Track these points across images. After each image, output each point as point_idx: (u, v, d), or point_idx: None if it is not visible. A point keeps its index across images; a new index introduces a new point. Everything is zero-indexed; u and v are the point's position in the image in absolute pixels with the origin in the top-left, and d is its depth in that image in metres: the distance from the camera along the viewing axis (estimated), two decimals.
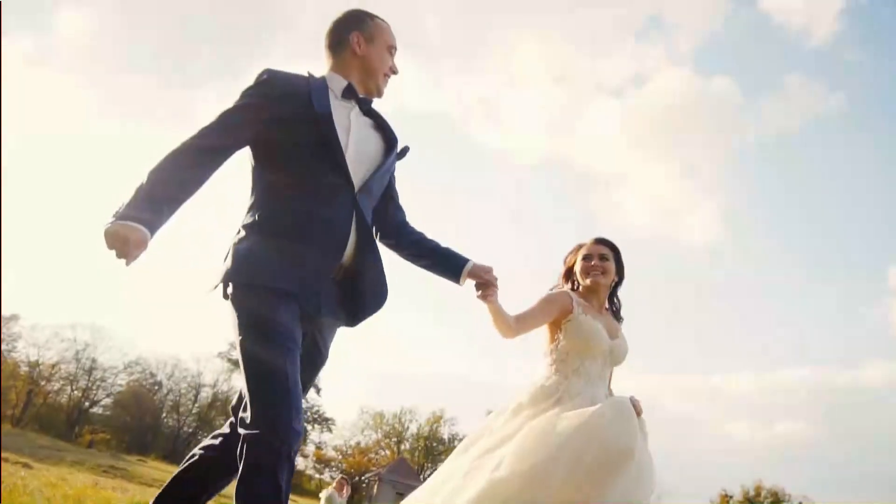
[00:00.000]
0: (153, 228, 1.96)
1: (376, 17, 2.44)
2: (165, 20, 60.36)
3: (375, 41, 2.39)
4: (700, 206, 58.70)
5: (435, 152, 57.45)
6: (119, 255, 1.92)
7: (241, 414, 2.01)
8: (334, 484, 12.15)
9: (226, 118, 2.16)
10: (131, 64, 59.98)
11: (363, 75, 2.38)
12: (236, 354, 2.09)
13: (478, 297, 2.55)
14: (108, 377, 42.69)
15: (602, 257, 3.02)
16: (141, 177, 2.01)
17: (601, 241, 3.09)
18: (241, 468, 1.93)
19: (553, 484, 2.44)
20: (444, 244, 2.55)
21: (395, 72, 2.46)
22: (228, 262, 2.12)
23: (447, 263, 2.50)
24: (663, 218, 59.69)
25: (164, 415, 44.09)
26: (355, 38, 2.35)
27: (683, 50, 60.41)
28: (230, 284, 2.10)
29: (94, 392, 42.61)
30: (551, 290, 3.10)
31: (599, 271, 3.00)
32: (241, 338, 2.02)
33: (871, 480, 48.73)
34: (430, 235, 2.55)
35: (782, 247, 58.35)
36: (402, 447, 46.99)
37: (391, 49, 2.44)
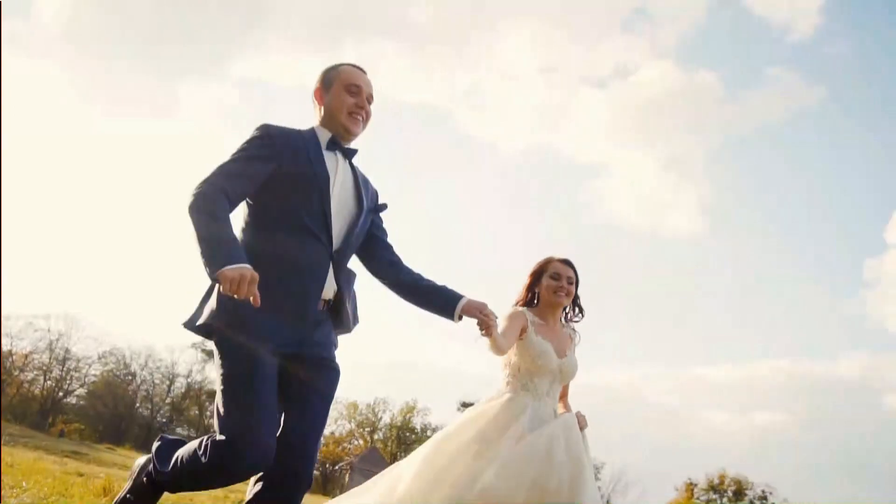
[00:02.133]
0: (246, 261, 2.09)
1: (341, 65, 2.54)
2: (146, 7, 59.89)
3: (332, 86, 2.49)
4: (682, 198, 59.57)
5: (421, 142, 57.72)
6: (245, 295, 2.03)
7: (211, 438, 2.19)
8: None
9: (240, 167, 2.29)
10: (111, 51, 59.63)
11: (332, 123, 2.48)
12: (216, 388, 2.26)
13: (481, 335, 2.61)
14: (82, 367, 42.77)
15: (569, 280, 3.19)
16: (198, 223, 2.13)
17: (569, 264, 3.25)
18: (203, 467, 2.17)
19: None
20: (437, 282, 2.60)
21: (361, 106, 2.50)
22: (213, 305, 2.26)
23: (441, 302, 2.56)
24: (645, 210, 60.48)
25: (137, 405, 44.20)
26: (316, 92, 2.52)
27: (668, 43, 61.16)
28: (215, 331, 2.25)
29: (68, 382, 42.67)
30: (515, 304, 3.26)
31: (565, 293, 3.17)
32: (221, 377, 2.21)
33: (843, 470, 49.95)
34: (423, 274, 2.63)
35: (762, 239, 59.43)
36: (376, 437, 47.49)
37: (351, 87, 2.49)
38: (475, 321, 2.55)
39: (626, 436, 50.99)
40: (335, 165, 2.44)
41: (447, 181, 63.86)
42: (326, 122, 2.49)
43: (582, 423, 3.01)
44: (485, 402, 3.08)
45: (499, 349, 2.85)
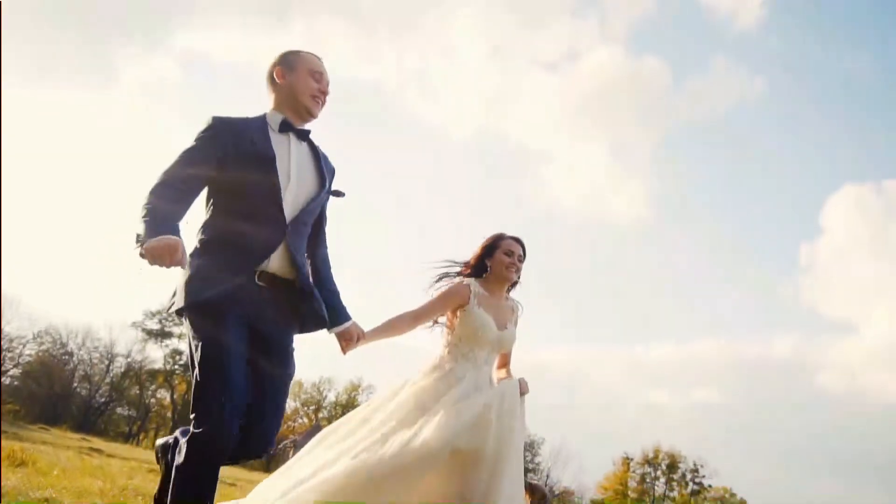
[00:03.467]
0: (177, 234, 2.20)
1: (302, 51, 2.62)
2: None
3: (296, 68, 2.57)
4: (627, 184, 60.81)
5: (368, 122, 57.30)
6: (168, 264, 2.14)
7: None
8: None
9: (190, 154, 2.39)
10: (48, 19, 57.19)
11: (291, 103, 2.55)
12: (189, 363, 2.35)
13: (341, 352, 2.82)
14: (16, 347, 41.61)
15: (520, 258, 3.33)
16: (141, 209, 2.23)
17: (521, 242, 3.38)
18: (183, 459, 2.25)
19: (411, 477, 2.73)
20: (338, 296, 2.74)
21: (323, 91, 2.61)
22: (180, 286, 2.36)
23: (329, 311, 2.65)
24: (591, 195, 61.48)
25: (75, 384, 43.24)
26: (277, 71, 2.57)
27: (617, 28, 61.75)
28: (185, 309, 2.35)
29: (2, 363, 41.45)
30: (452, 265, 3.41)
31: (515, 270, 3.32)
32: (194, 352, 2.31)
33: (775, 444, 52.28)
34: (335, 281, 2.75)
35: (704, 225, 61.21)
36: (320, 415, 47.67)
37: (315, 73, 2.59)
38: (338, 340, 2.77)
39: (568, 413, 52.38)
40: (286, 146, 2.51)
41: (394, 162, 63.81)
42: (285, 101, 2.57)
43: (524, 388, 3.14)
44: (426, 371, 3.18)
45: (397, 331, 3.10)
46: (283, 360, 2.49)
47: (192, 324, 2.34)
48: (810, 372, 56.73)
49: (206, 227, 2.42)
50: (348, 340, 2.77)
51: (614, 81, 59.37)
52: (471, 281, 3.29)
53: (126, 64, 58.36)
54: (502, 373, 3.38)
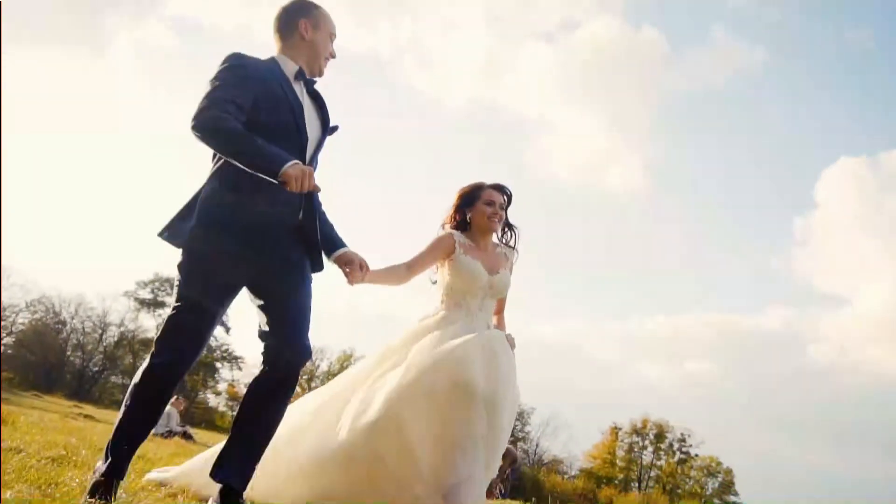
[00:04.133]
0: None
1: (320, 6, 2.70)
2: None
3: (320, 28, 2.66)
4: (624, 155, 60.46)
5: (363, 93, 56.85)
6: (307, 188, 2.25)
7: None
8: (171, 402, 13.21)
9: (220, 92, 2.36)
10: None
11: (310, 58, 2.65)
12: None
13: (348, 283, 2.83)
14: (9, 316, 41.67)
15: (501, 206, 3.31)
16: (217, 130, 2.29)
17: (503, 190, 3.34)
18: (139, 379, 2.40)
19: (408, 416, 2.79)
20: (334, 228, 2.83)
21: (334, 56, 2.73)
22: (191, 224, 2.40)
23: (325, 243, 2.76)
24: (588, 166, 61.19)
25: (68, 353, 43.46)
26: (303, 24, 2.63)
27: None
28: (185, 249, 2.41)
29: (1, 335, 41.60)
30: (443, 224, 3.39)
31: (498, 219, 3.30)
32: (177, 289, 2.42)
33: (767, 415, 52.97)
34: (328, 217, 2.82)
35: (699, 197, 61.04)
36: (313, 385, 48.07)
37: (332, 36, 2.71)
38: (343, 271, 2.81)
39: (560, 384, 53.00)
40: (300, 93, 2.60)
41: (389, 132, 63.33)
42: (303, 55, 2.64)
43: (510, 343, 3.13)
44: (420, 320, 3.24)
45: (393, 279, 3.14)
46: (301, 281, 2.59)
47: (191, 262, 2.42)
48: (802, 344, 57.27)
49: (229, 168, 2.41)
50: (349, 263, 2.80)
51: (612, 52, 58.80)
52: (454, 231, 3.30)
53: (116, 30, 57.49)
54: (497, 319, 3.40)
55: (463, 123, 60.52)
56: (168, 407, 12.88)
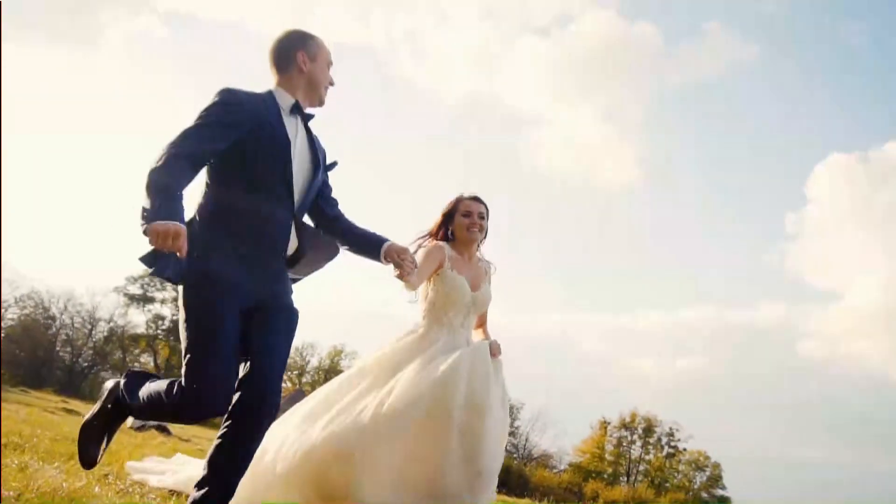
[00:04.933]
0: (182, 221, 2.20)
1: (315, 36, 2.68)
2: None
3: (318, 59, 2.64)
4: (617, 149, 60.37)
5: (357, 85, 56.71)
6: (171, 248, 2.13)
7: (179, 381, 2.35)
8: None
9: (199, 131, 2.36)
10: None
11: (308, 91, 2.63)
12: (180, 332, 2.36)
13: (395, 276, 2.81)
14: None
15: (480, 216, 3.30)
16: (149, 182, 2.22)
17: (480, 201, 3.35)
18: (172, 401, 2.35)
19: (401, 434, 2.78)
20: (367, 229, 2.82)
21: (332, 84, 2.71)
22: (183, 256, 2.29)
23: (369, 245, 2.80)
24: (581, 160, 61.17)
25: (57, 348, 43.38)
26: (301, 56, 2.60)
27: None
28: (185, 282, 2.35)
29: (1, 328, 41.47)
30: (422, 237, 3.39)
31: (478, 228, 3.30)
32: (186, 339, 2.33)
33: (758, 412, 53.14)
34: (356, 222, 2.83)
35: (692, 192, 61.08)
36: (303, 380, 48.14)
37: (329, 64, 2.69)
38: (391, 263, 2.79)
39: (551, 379, 53.11)
40: (295, 129, 2.56)
41: (383, 125, 63.22)
42: (301, 87, 2.62)
43: (495, 350, 3.13)
44: (402, 335, 3.21)
45: (410, 286, 3.05)
46: (288, 321, 2.56)
47: (191, 293, 2.36)
48: (793, 339, 57.61)
49: (212, 204, 2.43)
50: (402, 253, 2.78)
51: (605, 46, 58.70)
52: (443, 244, 3.30)
53: (110, 23, 57.14)
54: (479, 333, 3.41)
55: (457, 117, 60.46)
56: None
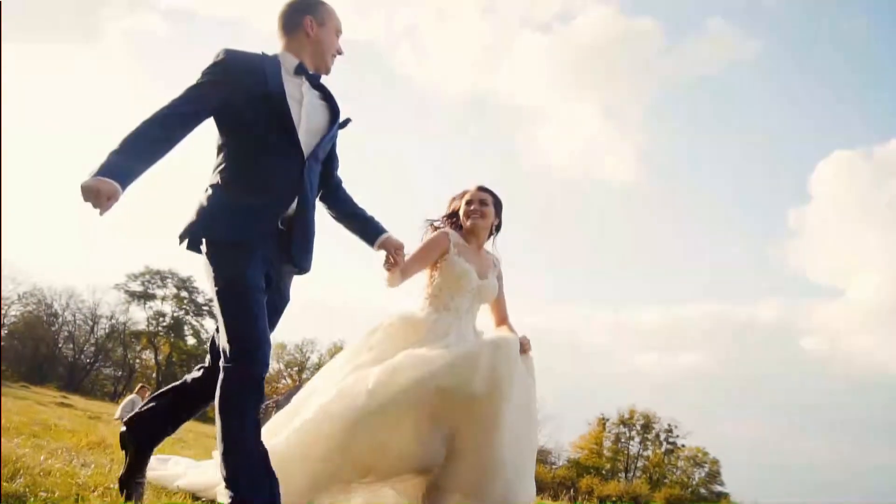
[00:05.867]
0: (124, 182, 2.17)
1: (326, 3, 2.65)
2: None
3: (326, 24, 2.61)
4: (619, 145, 60.46)
5: (359, 81, 56.80)
6: (94, 206, 2.11)
7: (221, 352, 2.31)
8: (136, 390, 13.67)
9: (191, 91, 2.40)
10: None
11: (314, 55, 2.61)
12: (213, 300, 2.36)
13: (383, 266, 2.88)
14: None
15: (482, 202, 3.30)
16: (116, 141, 2.23)
17: (482, 189, 3.35)
18: (221, 393, 2.25)
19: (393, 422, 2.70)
20: (368, 212, 2.86)
21: (340, 52, 2.68)
22: (196, 218, 2.40)
23: (367, 229, 2.84)
24: (583, 156, 61.24)
25: (60, 345, 43.73)
26: (308, 21, 2.59)
27: None
28: (203, 241, 2.38)
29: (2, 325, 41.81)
30: (432, 223, 3.37)
31: (479, 215, 3.27)
32: (217, 289, 2.33)
33: (759, 408, 53.27)
34: (358, 202, 2.87)
35: (694, 188, 61.20)
36: (304, 376, 48.33)
37: (338, 32, 2.66)
38: (384, 255, 2.88)
39: (553, 374, 53.12)
40: (299, 87, 2.55)
41: (385, 121, 63.33)
42: (307, 52, 2.61)
43: (525, 346, 3.09)
44: (401, 316, 3.14)
45: (392, 280, 3.03)
46: (284, 293, 2.60)
47: (215, 259, 2.37)
48: (795, 335, 57.62)
49: (226, 167, 2.45)
50: (397, 248, 2.87)
51: (607, 42, 58.86)
52: (450, 231, 3.30)
53: (109, 20, 57.41)
54: (503, 329, 3.34)
55: (458, 113, 60.63)
56: (132, 395, 13.25)
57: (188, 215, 2.45)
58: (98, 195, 2.11)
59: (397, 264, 2.86)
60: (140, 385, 15.34)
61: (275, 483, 2.24)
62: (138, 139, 2.26)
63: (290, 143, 2.47)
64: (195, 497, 2.97)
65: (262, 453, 2.27)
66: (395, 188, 59.88)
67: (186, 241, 2.44)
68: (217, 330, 2.46)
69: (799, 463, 49.32)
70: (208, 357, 2.65)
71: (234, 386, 2.27)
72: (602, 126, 59.76)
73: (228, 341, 2.28)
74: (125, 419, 2.73)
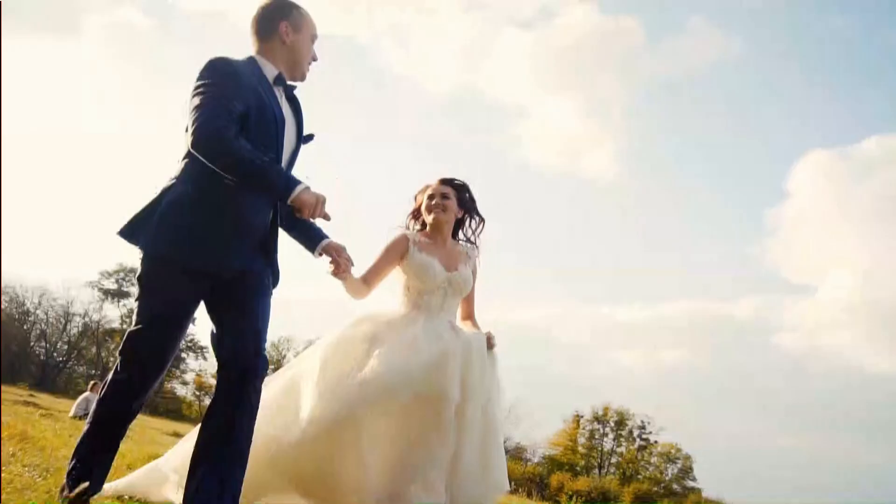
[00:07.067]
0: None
1: (300, 6, 2.54)
2: None
3: (302, 30, 2.51)
4: (599, 142, 60.64)
5: (340, 77, 56.56)
6: (316, 216, 2.26)
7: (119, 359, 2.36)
8: (90, 387, 13.79)
9: (208, 97, 2.25)
10: None
11: (290, 63, 2.51)
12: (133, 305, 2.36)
13: (330, 272, 2.79)
14: None
15: (443, 196, 3.23)
16: (244, 166, 2.21)
17: (444, 181, 3.27)
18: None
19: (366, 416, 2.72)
20: (314, 223, 2.75)
21: (315, 59, 2.59)
22: (153, 226, 2.28)
23: (310, 235, 2.76)
24: (564, 153, 61.41)
25: (32, 343, 43.27)
26: (284, 27, 2.48)
27: None
28: (146, 255, 2.31)
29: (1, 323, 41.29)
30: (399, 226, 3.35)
31: (440, 209, 3.20)
32: (138, 304, 2.34)
33: (737, 405, 53.83)
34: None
35: (674, 186, 61.54)
36: None
37: (314, 37, 2.57)
38: (329, 260, 2.79)
39: (531, 371, 53.43)
40: (281, 100, 2.48)
41: (366, 117, 63.17)
42: (283, 59, 2.51)
43: (491, 341, 3.10)
44: (374, 315, 3.13)
45: (354, 290, 3.02)
46: (259, 290, 2.48)
47: (151, 274, 2.33)
48: (771, 332, 58.21)
49: (196, 170, 2.31)
50: (339, 251, 2.76)
51: (589, 40, 58.81)
52: (408, 231, 3.29)
53: (89, 13, 56.75)
54: (468, 324, 3.31)
55: (440, 110, 60.54)
56: (87, 393, 13.28)
57: (143, 206, 2.36)
58: (322, 202, 2.28)
59: (344, 268, 2.80)
60: (93, 382, 15.33)
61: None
62: (257, 160, 2.26)
63: (276, 160, 2.43)
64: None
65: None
66: (376, 185, 59.76)
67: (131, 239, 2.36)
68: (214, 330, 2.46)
69: (776, 458, 50.03)
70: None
71: (105, 397, 2.40)
72: (585, 123, 60.01)
73: (123, 351, 2.41)
74: None
